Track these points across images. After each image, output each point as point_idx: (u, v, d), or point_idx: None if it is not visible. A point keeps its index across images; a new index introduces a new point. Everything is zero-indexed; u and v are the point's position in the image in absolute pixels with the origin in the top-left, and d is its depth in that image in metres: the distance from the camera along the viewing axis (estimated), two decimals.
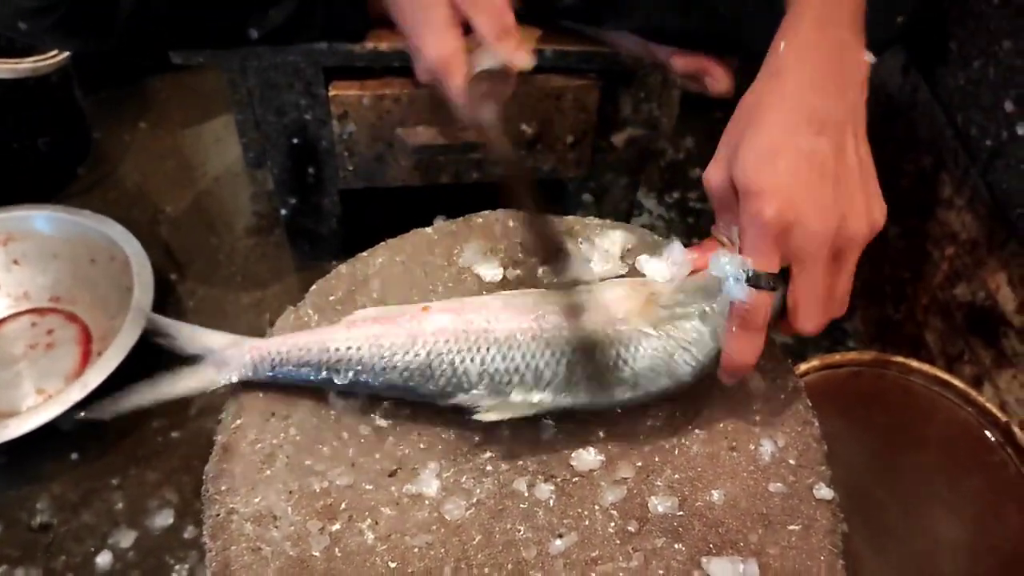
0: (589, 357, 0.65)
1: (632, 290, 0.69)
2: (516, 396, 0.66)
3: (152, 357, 1.14)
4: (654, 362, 0.65)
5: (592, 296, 0.69)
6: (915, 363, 0.93)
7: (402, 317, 0.69)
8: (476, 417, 0.65)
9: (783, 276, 0.63)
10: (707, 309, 0.65)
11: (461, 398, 0.66)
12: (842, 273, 0.63)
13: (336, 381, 0.68)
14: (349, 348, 0.68)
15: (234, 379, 0.71)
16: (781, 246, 0.61)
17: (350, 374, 0.68)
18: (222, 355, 0.71)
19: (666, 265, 0.70)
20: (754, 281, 0.61)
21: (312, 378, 0.69)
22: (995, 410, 0.89)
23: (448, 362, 0.66)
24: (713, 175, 0.66)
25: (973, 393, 0.90)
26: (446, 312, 0.68)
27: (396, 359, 0.67)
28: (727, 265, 0.63)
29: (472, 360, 0.66)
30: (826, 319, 0.64)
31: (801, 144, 0.61)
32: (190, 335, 0.73)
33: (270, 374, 0.70)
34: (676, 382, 0.66)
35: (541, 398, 0.66)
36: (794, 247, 0.61)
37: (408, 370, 0.67)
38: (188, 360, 0.72)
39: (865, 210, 0.62)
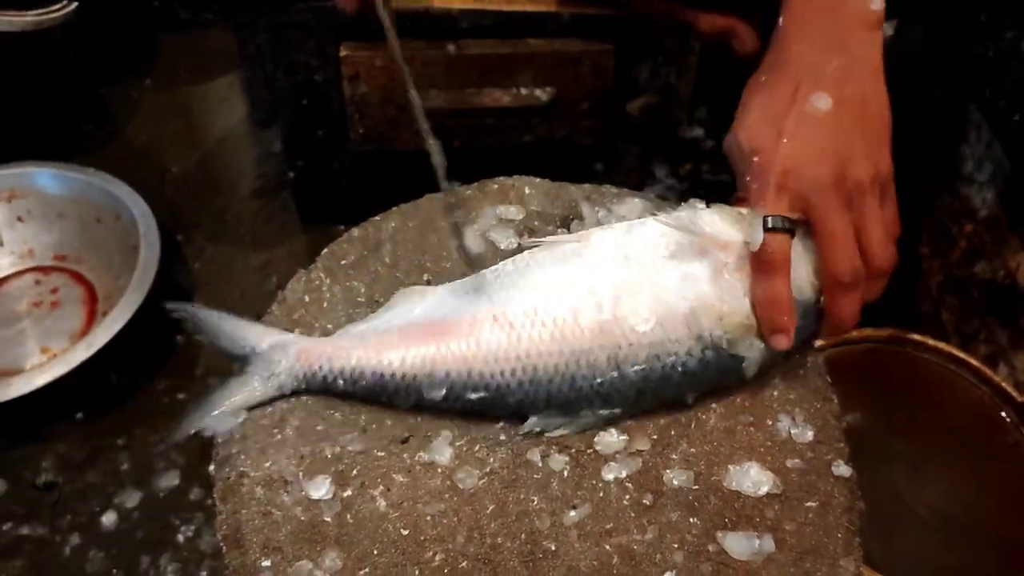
0: None
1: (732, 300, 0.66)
2: (586, 414, 0.65)
3: (158, 318, 1.13)
4: (754, 370, 0.66)
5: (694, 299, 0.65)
6: (931, 340, 0.92)
7: (453, 330, 0.65)
8: (547, 434, 0.65)
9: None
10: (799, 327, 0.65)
11: (532, 421, 0.65)
12: (867, 219, 0.65)
13: (401, 406, 0.67)
14: (404, 375, 0.65)
15: (286, 392, 0.68)
16: (786, 193, 0.64)
17: (411, 402, 0.66)
18: (268, 360, 0.68)
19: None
20: (766, 224, 0.64)
21: (372, 399, 0.67)
22: (1011, 389, 0.88)
23: (514, 398, 0.64)
24: (728, 144, 0.70)
25: (989, 372, 0.89)
26: (498, 326, 0.65)
27: (456, 391, 0.64)
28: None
29: (538, 392, 0.64)
30: (856, 265, 0.64)
31: (799, 102, 0.65)
32: (231, 331, 0.69)
33: (323, 390, 0.68)
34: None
35: (611, 412, 0.65)
36: (798, 194, 0.64)
37: (471, 402, 0.65)
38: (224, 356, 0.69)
39: (865, 154, 0.65)
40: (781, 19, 0.71)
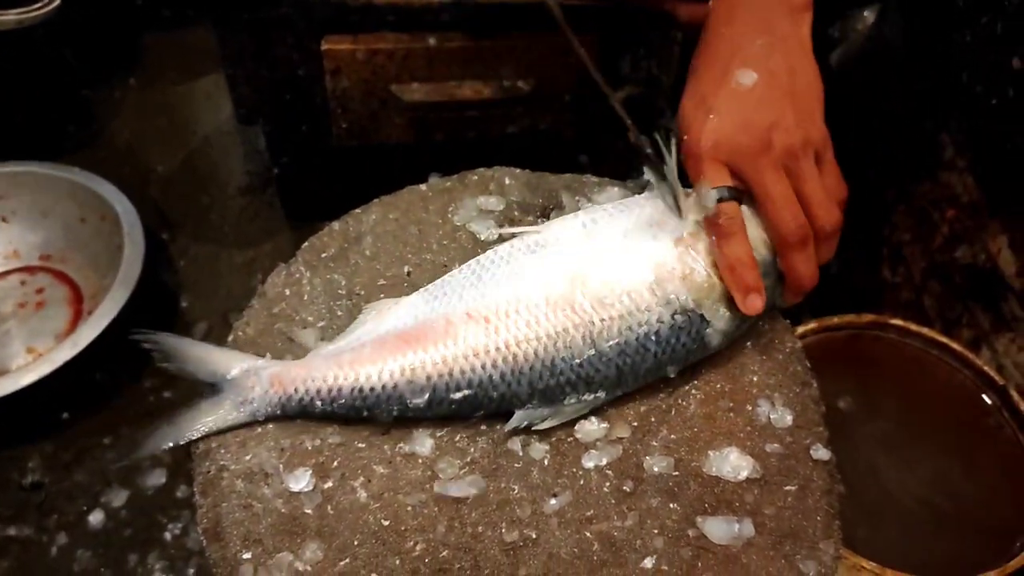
0: None
1: (688, 257, 0.67)
2: (570, 401, 0.65)
3: (144, 317, 1.13)
4: (720, 339, 0.66)
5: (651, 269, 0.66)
6: (913, 326, 0.92)
7: (429, 334, 0.65)
8: (534, 428, 0.65)
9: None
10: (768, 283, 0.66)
11: (518, 416, 0.64)
12: (803, 182, 0.67)
13: (382, 420, 0.65)
14: (384, 387, 0.64)
15: (260, 418, 0.66)
16: (720, 164, 0.67)
17: (394, 413, 0.65)
18: (241, 386, 0.65)
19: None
20: (712, 197, 0.66)
21: (353, 416, 0.65)
22: (993, 373, 0.88)
23: (497, 392, 0.64)
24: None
25: (971, 356, 0.90)
26: (474, 322, 0.64)
27: (439, 394, 0.64)
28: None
29: (520, 382, 0.63)
30: (801, 222, 0.66)
31: (726, 80, 0.68)
32: (200, 358, 0.67)
33: (300, 414, 0.66)
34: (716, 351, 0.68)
35: (595, 397, 0.65)
36: (730, 164, 0.67)
37: (455, 403, 0.64)
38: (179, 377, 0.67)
39: (795, 123, 0.67)
40: (710, 3, 0.74)
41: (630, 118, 0.74)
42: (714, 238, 0.66)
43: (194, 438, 0.65)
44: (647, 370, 0.66)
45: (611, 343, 0.64)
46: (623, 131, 1.24)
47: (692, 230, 0.67)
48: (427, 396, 0.64)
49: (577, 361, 0.64)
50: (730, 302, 0.66)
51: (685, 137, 0.68)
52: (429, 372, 0.64)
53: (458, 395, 0.64)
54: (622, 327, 0.64)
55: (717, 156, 0.67)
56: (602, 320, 0.64)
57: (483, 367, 0.64)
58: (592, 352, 0.64)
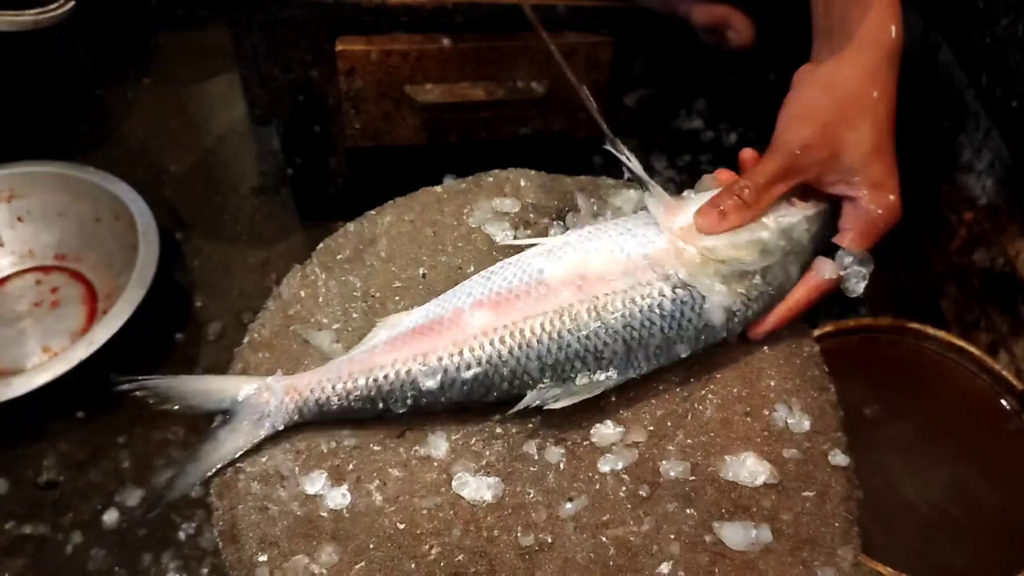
0: None
1: (679, 241, 0.68)
2: (581, 380, 0.65)
3: (158, 316, 1.14)
4: (723, 316, 0.66)
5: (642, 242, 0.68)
6: (931, 329, 0.91)
7: (441, 324, 0.66)
8: (546, 407, 0.64)
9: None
10: (769, 266, 0.67)
11: (530, 396, 0.64)
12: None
13: (397, 411, 0.65)
14: (399, 373, 0.64)
15: (279, 428, 0.65)
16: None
17: (408, 401, 0.65)
18: (255, 404, 0.65)
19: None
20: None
21: (368, 409, 0.65)
22: (1011, 377, 0.87)
23: (507, 368, 0.64)
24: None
25: (989, 360, 0.89)
26: (482, 308, 0.65)
27: (450, 375, 0.64)
28: (855, 264, 0.71)
29: (529, 357, 0.64)
30: None
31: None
32: (203, 390, 0.66)
33: (318, 415, 0.65)
34: (732, 335, 0.69)
35: (607, 376, 0.65)
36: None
37: (467, 383, 0.64)
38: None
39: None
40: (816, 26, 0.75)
41: (607, 123, 0.74)
42: (815, 293, 0.70)
43: (221, 467, 0.64)
44: (656, 347, 0.66)
45: (616, 315, 0.64)
46: (636, 132, 1.24)
47: (684, 225, 0.68)
48: (439, 377, 0.64)
49: (584, 333, 0.64)
50: (724, 278, 0.66)
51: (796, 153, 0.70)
52: (440, 354, 0.65)
53: (469, 373, 0.64)
54: (625, 300, 0.65)
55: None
56: (606, 294, 0.65)
57: (492, 343, 0.64)
58: (598, 324, 0.64)
